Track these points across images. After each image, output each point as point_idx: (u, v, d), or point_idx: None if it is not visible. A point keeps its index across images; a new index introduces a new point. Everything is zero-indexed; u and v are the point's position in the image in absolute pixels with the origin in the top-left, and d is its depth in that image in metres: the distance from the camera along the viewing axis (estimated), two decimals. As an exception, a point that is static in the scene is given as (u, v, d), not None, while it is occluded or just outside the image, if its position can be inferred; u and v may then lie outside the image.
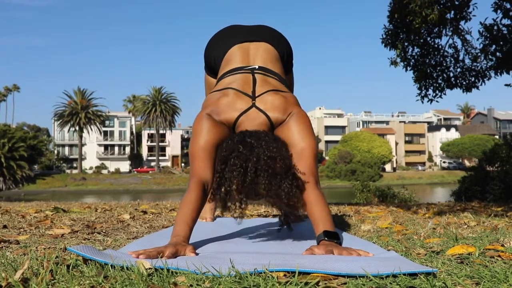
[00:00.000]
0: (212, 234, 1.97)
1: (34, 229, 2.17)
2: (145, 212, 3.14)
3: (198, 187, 1.73)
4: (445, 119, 77.55)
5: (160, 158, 57.97)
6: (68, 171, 57.23)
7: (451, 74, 7.84)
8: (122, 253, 1.39)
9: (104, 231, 2.14)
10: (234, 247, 1.63)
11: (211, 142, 1.81)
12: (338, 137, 58.25)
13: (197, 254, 1.44)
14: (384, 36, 7.56)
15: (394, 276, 1.13)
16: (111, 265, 1.19)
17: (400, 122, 68.68)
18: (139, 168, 57.55)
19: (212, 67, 2.24)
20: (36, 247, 1.54)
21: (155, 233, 2.00)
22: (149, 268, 1.16)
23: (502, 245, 1.57)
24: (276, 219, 2.74)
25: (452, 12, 7.21)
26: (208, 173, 1.78)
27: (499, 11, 6.82)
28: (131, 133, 65.07)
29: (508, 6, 6.72)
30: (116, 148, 63.13)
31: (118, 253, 1.38)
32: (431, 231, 2.07)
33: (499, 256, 1.39)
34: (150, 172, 54.89)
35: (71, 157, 60.80)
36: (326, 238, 1.55)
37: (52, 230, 2.10)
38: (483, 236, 1.84)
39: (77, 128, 54.20)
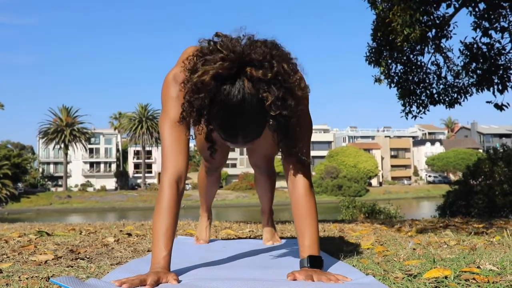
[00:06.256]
0: (196, 258, 1.98)
1: (17, 255, 2.17)
2: (129, 235, 3.15)
3: (171, 188, 1.64)
4: (429, 133, 78.43)
5: (146, 175, 57.75)
6: (53, 189, 56.66)
7: (434, 91, 7.94)
8: (105, 281, 1.41)
9: (88, 256, 2.15)
10: (217, 272, 1.65)
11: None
12: (324, 153, 58.56)
13: (179, 281, 1.46)
14: (368, 54, 7.66)
15: (370, 302, 1.16)
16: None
17: (385, 137, 69.29)
18: None
19: None
20: (19, 277, 1.55)
21: (139, 259, 2.01)
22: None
23: (478, 267, 1.61)
24: (260, 241, 2.75)
25: (434, 30, 7.34)
26: (182, 162, 1.63)
27: (478, 30, 6.96)
28: (117, 150, 64.82)
29: (487, 25, 6.87)
30: (102, 166, 62.78)
31: (101, 282, 1.40)
32: (411, 252, 2.11)
33: (473, 279, 1.43)
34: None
35: (56, 174, 60.31)
36: (308, 266, 1.56)
37: (35, 256, 2.10)
38: (461, 257, 1.88)
39: (62, 145, 53.84)
